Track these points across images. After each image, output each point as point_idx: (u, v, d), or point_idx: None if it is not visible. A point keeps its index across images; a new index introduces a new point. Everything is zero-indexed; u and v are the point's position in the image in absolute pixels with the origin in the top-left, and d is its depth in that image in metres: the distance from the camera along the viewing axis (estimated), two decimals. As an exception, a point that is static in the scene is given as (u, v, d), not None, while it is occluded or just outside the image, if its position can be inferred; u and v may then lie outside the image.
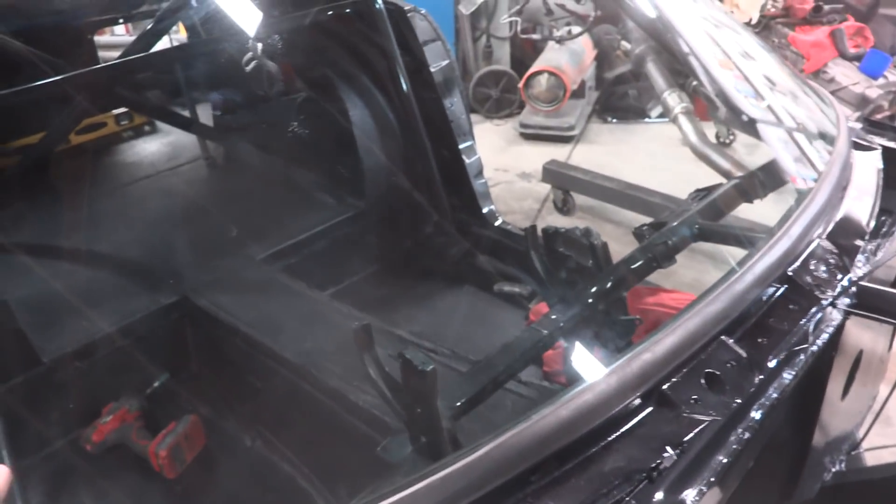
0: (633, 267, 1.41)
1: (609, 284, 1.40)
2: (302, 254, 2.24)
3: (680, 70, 3.23)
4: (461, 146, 2.40)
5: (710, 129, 4.01)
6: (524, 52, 4.59)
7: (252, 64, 2.01)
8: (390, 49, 2.28)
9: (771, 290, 1.02)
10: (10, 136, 2.48)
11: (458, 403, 1.06)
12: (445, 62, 2.36)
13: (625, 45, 3.26)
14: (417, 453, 0.97)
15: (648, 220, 3.11)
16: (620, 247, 3.09)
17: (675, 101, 2.83)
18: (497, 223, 2.43)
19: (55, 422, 1.82)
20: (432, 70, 2.32)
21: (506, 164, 3.82)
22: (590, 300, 1.39)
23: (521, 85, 3.97)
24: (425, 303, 2.32)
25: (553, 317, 1.40)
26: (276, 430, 1.78)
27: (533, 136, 4.11)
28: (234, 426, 1.84)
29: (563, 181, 3.25)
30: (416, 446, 0.98)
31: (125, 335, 1.90)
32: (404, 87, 2.30)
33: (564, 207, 3.31)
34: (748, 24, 3.98)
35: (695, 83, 3.03)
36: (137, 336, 1.91)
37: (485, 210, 2.43)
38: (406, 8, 2.27)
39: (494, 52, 4.44)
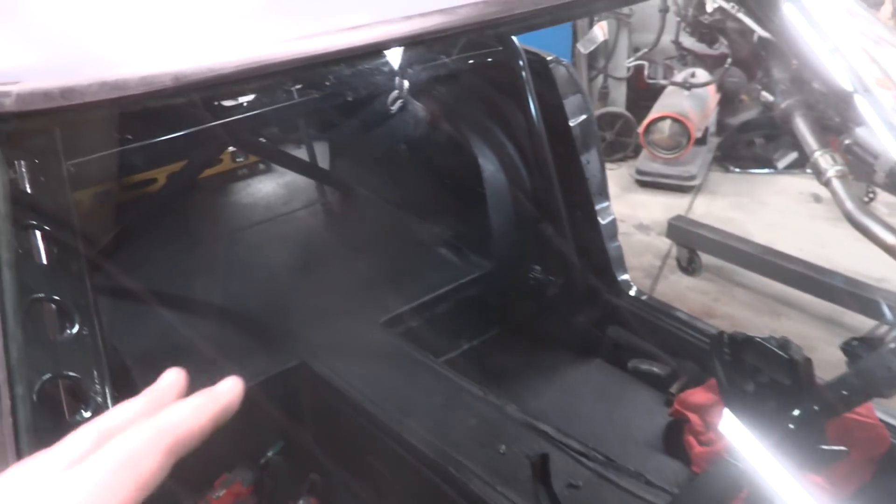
0: (845, 393, 1.19)
1: (816, 409, 1.19)
2: (424, 316, 2.10)
3: (829, 126, 2.97)
4: (597, 207, 2.22)
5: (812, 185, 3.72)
6: (638, 94, 4.39)
7: (398, 103, 1.88)
8: (528, 102, 2.14)
9: None
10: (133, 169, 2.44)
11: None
12: (584, 116, 2.19)
13: (765, 95, 3.01)
14: None
15: (786, 288, 2.88)
16: (754, 315, 2.87)
17: (827, 162, 2.56)
18: (632, 292, 2.23)
19: (166, 492, 1.72)
20: (571, 125, 2.15)
21: (621, 213, 3.60)
22: (791, 426, 1.18)
23: (641, 130, 3.77)
24: (552, 376, 2.14)
25: (745, 444, 1.20)
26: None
27: (650, 183, 3.88)
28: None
29: (690, 239, 3.02)
30: None
31: (241, 402, 1.79)
32: (541, 142, 2.15)
33: (690, 267, 3.07)
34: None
35: (847, 141, 2.77)
36: (252, 402, 1.80)
37: (619, 277, 2.23)
38: (548, 58, 2.11)
39: (611, 93, 4.24)
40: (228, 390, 0.52)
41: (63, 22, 0.77)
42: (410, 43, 0.71)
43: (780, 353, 1.24)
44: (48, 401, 0.64)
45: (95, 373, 0.68)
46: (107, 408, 0.67)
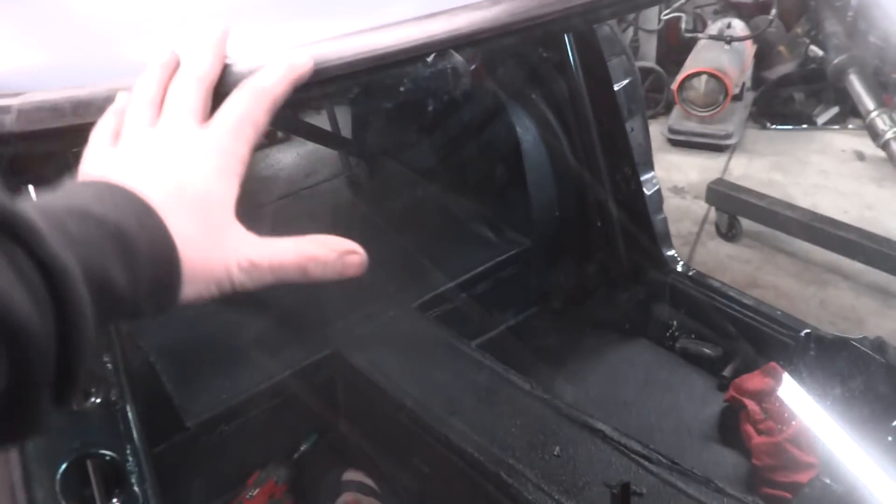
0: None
1: (917, 421, 1.07)
2: (460, 298, 1.98)
3: (885, 83, 2.79)
4: (642, 178, 2.08)
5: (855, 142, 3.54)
6: (670, 48, 4.18)
7: (442, 61, 1.73)
8: (571, 65, 1.98)
9: None
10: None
11: None
12: (629, 80, 2.02)
13: (814, 49, 2.82)
14: None
15: (833, 255, 2.74)
16: (800, 285, 2.74)
17: (885, 123, 2.40)
18: (679, 267, 2.10)
19: (198, 490, 1.64)
20: (615, 89, 1.99)
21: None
22: (890, 438, 1.06)
23: (675, 87, 3.58)
24: (596, 358, 2.03)
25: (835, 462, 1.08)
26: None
27: (683, 142, 3.71)
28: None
29: (731, 205, 2.87)
30: None
31: (272, 395, 1.69)
32: (584, 109, 2.00)
33: (730, 233, 2.93)
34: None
35: (906, 100, 2.60)
36: (285, 395, 1.70)
37: (666, 252, 2.10)
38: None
39: (641, 46, 4.04)
40: (304, 62, 0.56)
41: (76, 18, 0.63)
42: (501, 34, 0.57)
43: (877, 356, 1.12)
44: (74, 488, 0.53)
45: (129, 447, 0.56)
46: (145, 493, 0.55)
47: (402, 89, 0.65)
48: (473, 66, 1.78)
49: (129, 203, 0.46)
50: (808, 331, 1.19)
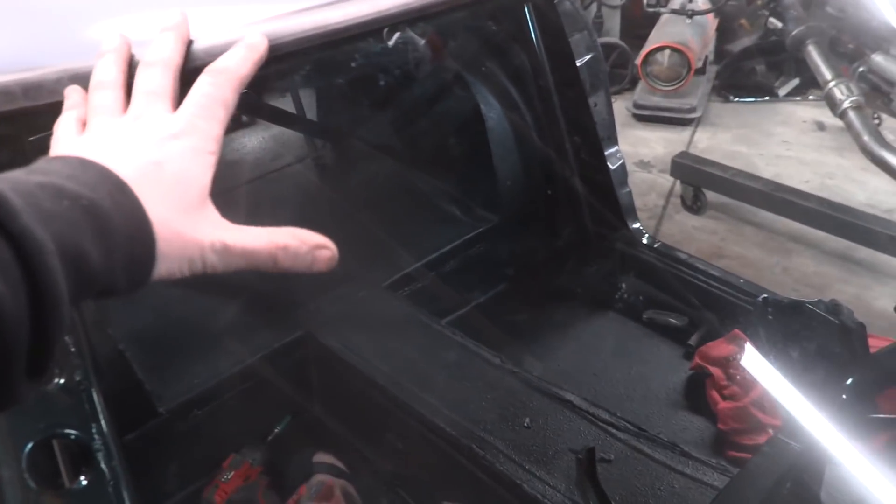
0: (904, 359, 1.11)
1: (871, 378, 1.11)
2: (429, 276, 2.00)
3: (842, 53, 2.84)
4: (606, 152, 2.10)
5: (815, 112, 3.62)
6: (633, 23, 4.20)
7: (395, 35, 1.71)
8: (533, 41, 1.98)
9: None
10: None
11: None
12: (591, 55, 2.04)
13: (773, 21, 2.86)
14: None
15: (797, 224, 2.80)
16: (765, 254, 2.79)
17: (843, 93, 2.44)
18: (644, 240, 2.13)
19: (173, 476, 1.64)
20: (578, 64, 2.01)
21: (622, 150, 3.49)
22: (844, 395, 1.10)
23: (639, 62, 3.61)
24: (565, 331, 2.06)
25: (793, 421, 1.12)
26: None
27: (648, 117, 3.74)
28: (372, 487, 1.63)
29: (695, 177, 2.92)
30: None
31: (245, 378, 1.69)
32: (547, 85, 2.01)
33: (695, 205, 2.98)
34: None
35: (862, 69, 2.65)
36: (257, 378, 1.71)
37: (631, 225, 2.13)
38: (554, -7, 1.95)
39: (605, 22, 4.06)
40: (260, 41, 0.57)
41: (24, 1, 0.63)
42: (451, 7, 0.58)
43: (831, 318, 1.16)
44: (43, 468, 0.53)
45: (94, 426, 0.57)
46: (113, 470, 0.56)
47: (356, 66, 0.65)
48: (429, 42, 1.79)
49: (103, 180, 0.47)
50: (765, 296, 1.22)
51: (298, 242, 0.58)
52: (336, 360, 1.68)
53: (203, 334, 1.72)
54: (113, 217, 0.45)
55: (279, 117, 2.26)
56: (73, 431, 0.56)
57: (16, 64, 0.55)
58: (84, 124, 0.55)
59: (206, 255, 0.53)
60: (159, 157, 0.52)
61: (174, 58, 0.57)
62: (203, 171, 0.54)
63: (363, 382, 1.61)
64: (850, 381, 1.10)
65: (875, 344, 1.26)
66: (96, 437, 0.56)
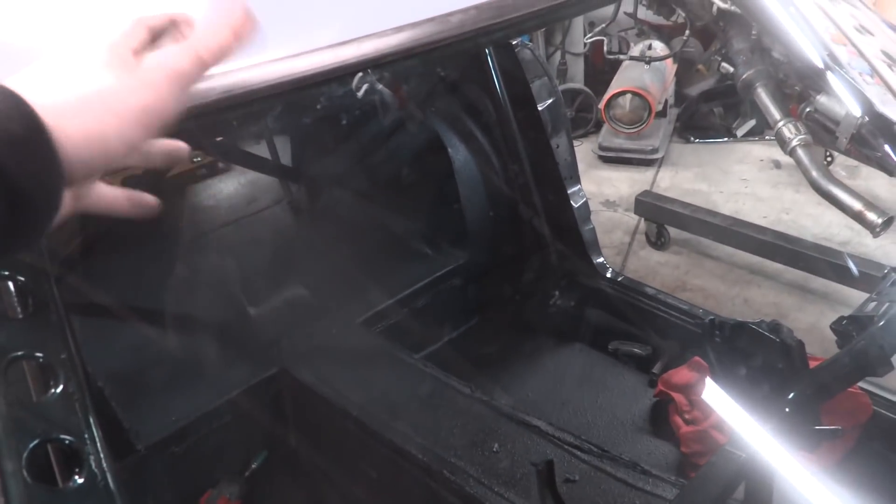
0: (839, 373, 1.19)
1: (810, 392, 1.19)
2: (402, 312, 2.06)
3: (789, 94, 2.99)
4: (569, 190, 2.20)
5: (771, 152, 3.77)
6: (596, 69, 4.37)
7: (364, 87, 1.80)
8: (496, 87, 2.10)
9: None
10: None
11: None
12: (552, 100, 2.16)
13: (725, 66, 3.01)
14: None
15: (755, 258, 2.91)
16: (726, 286, 2.89)
17: (791, 132, 2.58)
18: (608, 273, 2.22)
19: (151, 513, 1.67)
20: (539, 108, 2.12)
21: (587, 191, 3.58)
22: (787, 409, 1.18)
23: (602, 105, 3.76)
24: (534, 363, 2.13)
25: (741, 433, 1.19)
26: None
27: (613, 158, 3.88)
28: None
29: (658, 214, 3.03)
30: None
31: (221, 414, 1.74)
32: (510, 129, 2.12)
33: (659, 242, 3.08)
34: None
35: (809, 109, 2.80)
36: (234, 414, 1.75)
37: (595, 260, 2.22)
38: (514, 42, 2.07)
39: (569, 69, 4.22)
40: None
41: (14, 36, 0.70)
42: (404, 57, 0.66)
43: (772, 336, 1.24)
44: (38, 469, 0.59)
45: (87, 433, 0.63)
46: (102, 470, 0.62)
47: (324, 111, 0.73)
48: (394, 90, 1.89)
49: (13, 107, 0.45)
50: (712, 318, 1.30)
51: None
52: (311, 395, 1.73)
53: (180, 372, 1.76)
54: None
55: (254, 162, 2.34)
56: (66, 437, 0.62)
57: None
58: None
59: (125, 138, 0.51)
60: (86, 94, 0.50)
61: (206, 53, 0.55)
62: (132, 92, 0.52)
63: (337, 414, 1.66)
64: (791, 395, 1.18)
65: (815, 363, 1.35)
66: (88, 442, 0.62)
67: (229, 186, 2.63)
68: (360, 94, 1.84)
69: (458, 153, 2.11)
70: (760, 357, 1.27)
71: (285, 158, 2.47)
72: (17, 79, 0.49)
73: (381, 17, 0.70)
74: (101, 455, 0.63)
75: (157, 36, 0.56)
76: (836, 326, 1.33)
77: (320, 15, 0.73)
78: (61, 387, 0.63)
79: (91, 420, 0.64)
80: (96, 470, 0.62)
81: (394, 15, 0.69)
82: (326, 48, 0.65)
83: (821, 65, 1.48)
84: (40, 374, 0.64)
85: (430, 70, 2.04)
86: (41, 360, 0.63)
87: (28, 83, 0.49)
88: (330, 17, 0.73)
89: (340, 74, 0.65)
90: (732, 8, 2.32)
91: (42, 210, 0.47)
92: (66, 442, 0.62)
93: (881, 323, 1.23)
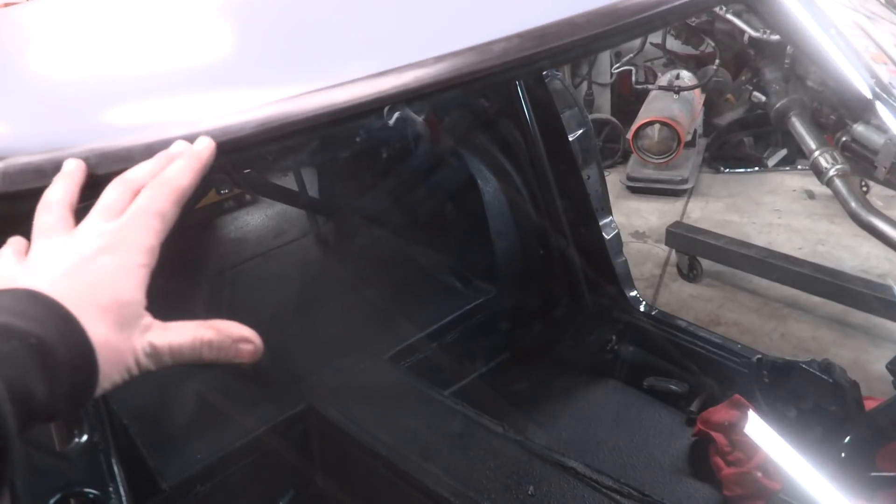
0: (898, 416, 1.13)
1: (867, 436, 1.12)
2: (431, 347, 2.02)
3: (824, 124, 2.94)
4: (600, 222, 2.16)
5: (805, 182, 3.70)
6: (622, 99, 4.35)
7: (395, 115, 1.78)
8: (526, 118, 2.07)
9: None
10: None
11: None
12: (582, 130, 2.12)
13: (757, 95, 2.97)
14: None
15: (791, 290, 2.83)
16: (761, 320, 2.82)
17: (828, 161, 2.52)
18: (642, 307, 2.16)
19: (174, 555, 1.62)
20: (570, 139, 2.09)
21: (616, 221, 3.56)
22: (843, 454, 1.12)
23: (630, 136, 3.72)
24: (567, 400, 2.07)
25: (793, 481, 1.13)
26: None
27: (642, 189, 3.83)
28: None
29: (690, 246, 2.97)
30: None
31: (247, 453, 1.70)
32: (541, 160, 2.08)
33: (691, 274, 3.02)
34: None
35: (845, 139, 2.74)
36: (260, 453, 1.71)
37: (628, 293, 2.17)
38: (543, 72, 2.05)
39: (596, 99, 4.20)
40: (205, 147, 0.60)
41: (55, 82, 0.69)
42: (445, 87, 0.63)
43: (825, 377, 1.18)
44: (60, 525, 0.56)
45: (111, 485, 0.59)
46: (128, 528, 0.58)
47: (360, 142, 0.70)
48: (427, 120, 1.87)
49: (49, 313, 0.49)
50: (760, 356, 1.25)
51: (222, 337, 0.58)
52: (338, 433, 1.69)
53: (206, 409, 1.73)
54: (59, 351, 0.48)
55: (281, 195, 2.33)
56: (90, 490, 0.58)
57: (46, 144, 0.60)
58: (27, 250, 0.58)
59: (140, 360, 0.54)
60: (95, 280, 0.54)
61: (137, 178, 0.59)
62: (137, 287, 0.55)
63: (365, 454, 1.61)
64: (847, 439, 1.12)
65: (869, 404, 1.28)
66: (112, 496, 0.59)
67: (256, 219, 2.63)
68: (392, 122, 1.82)
69: (489, 185, 2.08)
70: (812, 398, 1.21)
71: (313, 191, 2.46)
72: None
73: (420, 46, 0.67)
74: (127, 509, 0.59)
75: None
76: (893, 367, 1.26)
77: (356, 44, 0.70)
78: (86, 436, 0.60)
79: (116, 471, 0.61)
80: (121, 526, 0.58)
81: (433, 44, 0.66)
82: (364, 79, 0.62)
83: (867, 91, 1.43)
84: (64, 422, 0.61)
85: (468, 102, 2.01)
86: (65, 408, 0.60)
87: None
88: (367, 46, 0.70)
89: (379, 107, 0.62)
90: (765, 36, 2.29)
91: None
92: (90, 497, 0.58)
93: (943, 362, 1.17)
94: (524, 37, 0.68)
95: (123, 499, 0.60)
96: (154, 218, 0.57)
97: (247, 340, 0.59)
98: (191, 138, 0.59)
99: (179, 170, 0.58)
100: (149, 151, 0.58)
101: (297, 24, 0.75)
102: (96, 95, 0.66)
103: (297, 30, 0.74)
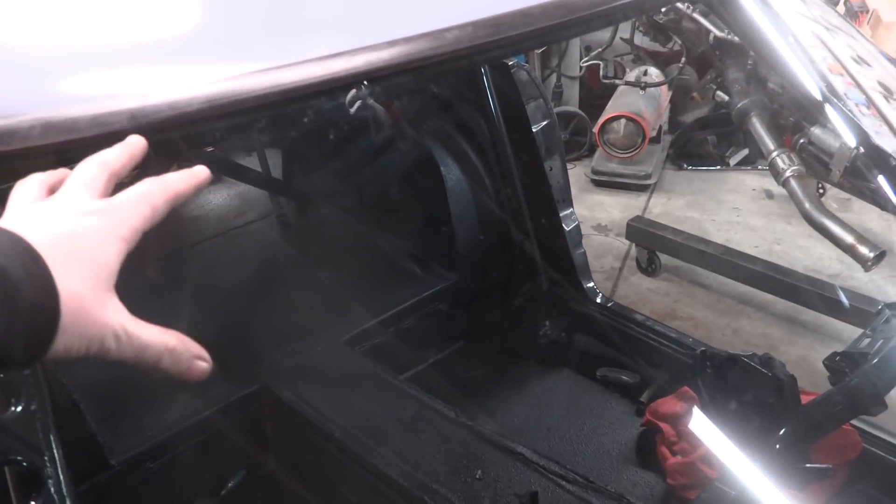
0: (831, 412, 1.17)
1: (801, 429, 1.16)
2: (388, 332, 2.03)
3: (783, 125, 3.00)
4: (561, 214, 2.18)
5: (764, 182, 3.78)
6: (591, 93, 4.38)
7: (357, 104, 1.78)
8: (491, 107, 2.08)
9: None
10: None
11: None
12: (546, 122, 2.14)
13: (720, 95, 3.02)
14: None
15: (746, 287, 2.89)
16: (716, 315, 2.88)
17: (785, 162, 2.57)
18: (598, 299, 2.20)
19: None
20: (534, 130, 2.11)
21: (579, 214, 3.57)
22: (777, 446, 1.15)
23: (596, 129, 3.75)
24: (520, 388, 2.10)
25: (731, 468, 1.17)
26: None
27: (606, 183, 3.87)
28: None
29: (649, 240, 3.01)
30: None
31: (199, 431, 1.69)
32: (504, 150, 2.10)
33: (649, 268, 3.07)
34: None
35: (802, 141, 2.80)
36: (212, 431, 1.71)
37: (585, 285, 2.20)
38: (510, 63, 2.06)
39: (564, 91, 4.22)
40: (201, 170, 0.63)
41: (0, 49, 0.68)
42: (397, 72, 0.64)
43: (764, 371, 1.22)
44: (-7, 492, 0.56)
45: (47, 455, 0.59)
46: (62, 495, 0.58)
47: (320, 125, 0.70)
48: (387, 107, 1.87)
49: (15, 247, 0.48)
50: (703, 349, 1.28)
51: (183, 348, 0.58)
52: (292, 414, 1.70)
53: (158, 386, 1.71)
54: (22, 285, 0.45)
55: (243, 175, 2.31)
56: (25, 459, 0.58)
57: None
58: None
59: (105, 339, 0.51)
60: (74, 230, 0.53)
61: (115, 161, 0.60)
62: (115, 256, 0.53)
63: (318, 435, 1.62)
64: (782, 431, 1.15)
65: (806, 398, 1.33)
66: (48, 464, 0.59)
67: (218, 198, 2.60)
68: (353, 110, 1.82)
69: (451, 172, 2.09)
70: (752, 391, 1.25)
71: (276, 171, 2.45)
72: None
73: (373, 30, 0.67)
74: (62, 478, 0.59)
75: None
76: (830, 363, 1.31)
77: (311, 25, 0.71)
78: (22, 405, 0.60)
79: (53, 441, 0.61)
80: (55, 494, 0.58)
81: (387, 28, 0.67)
82: (315, 60, 0.63)
83: (819, 96, 1.46)
84: (1, 392, 0.61)
85: (424, 87, 2.02)
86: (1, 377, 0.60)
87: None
88: (321, 27, 0.70)
89: (329, 88, 0.63)
90: (729, 37, 2.32)
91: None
92: (24, 465, 0.58)
93: (875, 361, 1.21)
94: (477, 25, 0.69)
95: (60, 467, 0.60)
96: (147, 206, 0.57)
97: (202, 359, 0.59)
98: (138, 112, 0.59)
99: (180, 178, 0.60)
100: (95, 123, 0.58)
101: (253, 3, 0.75)
102: (43, 64, 0.65)
103: (252, 8, 0.74)
